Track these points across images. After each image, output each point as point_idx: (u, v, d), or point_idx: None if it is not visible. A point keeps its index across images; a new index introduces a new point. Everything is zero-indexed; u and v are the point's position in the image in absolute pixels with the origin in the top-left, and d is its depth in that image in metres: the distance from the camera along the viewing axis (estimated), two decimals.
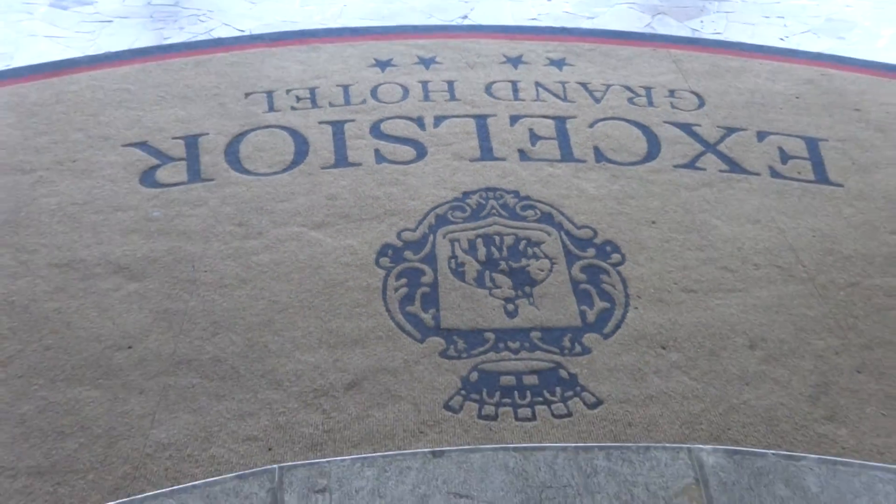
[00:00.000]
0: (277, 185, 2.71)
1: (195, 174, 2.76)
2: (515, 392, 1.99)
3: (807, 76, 3.56)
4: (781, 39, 3.92)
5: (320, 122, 3.06)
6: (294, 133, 2.99)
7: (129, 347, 2.10)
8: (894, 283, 2.40)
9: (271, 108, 3.14)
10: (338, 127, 3.04)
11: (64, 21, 3.85)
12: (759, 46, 3.83)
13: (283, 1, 4.05)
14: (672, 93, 3.38)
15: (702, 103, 3.32)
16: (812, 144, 3.08)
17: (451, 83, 3.36)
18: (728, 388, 2.04)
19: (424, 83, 3.35)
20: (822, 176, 2.91)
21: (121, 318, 2.18)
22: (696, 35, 3.93)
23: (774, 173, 2.91)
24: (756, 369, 2.10)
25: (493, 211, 2.61)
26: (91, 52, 3.57)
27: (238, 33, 3.74)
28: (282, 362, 2.05)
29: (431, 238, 2.49)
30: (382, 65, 3.47)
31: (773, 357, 2.14)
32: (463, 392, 1.98)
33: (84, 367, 2.05)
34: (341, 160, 2.86)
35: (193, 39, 3.66)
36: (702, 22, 4.05)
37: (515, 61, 3.56)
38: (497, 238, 2.50)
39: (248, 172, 2.77)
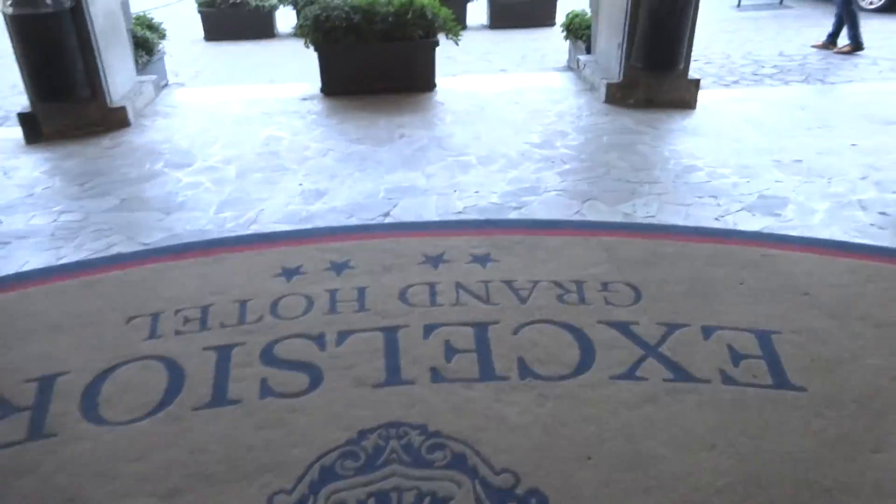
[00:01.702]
0: (133, 438, 2.11)
1: (37, 428, 2.17)
2: None
3: (748, 258, 3.15)
4: (716, 220, 3.56)
5: (205, 349, 2.53)
6: (171, 365, 2.45)
7: None
8: None
9: (153, 335, 2.62)
10: (224, 353, 2.50)
11: None
12: (695, 228, 3.46)
13: (197, 210, 3.67)
14: (605, 286, 2.93)
15: (638, 296, 2.86)
16: (764, 339, 2.59)
17: (362, 290, 2.89)
18: None
19: (333, 292, 2.88)
20: (780, 378, 2.38)
21: None
22: (629, 220, 3.56)
23: (727, 379, 2.38)
24: None
25: (394, 456, 2.03)
26: None
27: (141, 247, 3.31)
28: None
29: (311, 501, 1.88)
30: (290, 273, 3.02)
31: None
32: None
33: None
34: (219, 397, 2.29)
35: (89, 257, 3.21)
36: (633, 205, 3.71)
37: (436, 261, 3.12)
38: (395, 495, 1.90)
39: (101, 422, 2.19)
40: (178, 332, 2.63)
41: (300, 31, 5.58)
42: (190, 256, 3.19)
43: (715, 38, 8.42)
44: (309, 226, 3.50)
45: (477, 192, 3.88)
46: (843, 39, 7.85)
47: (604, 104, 5.37)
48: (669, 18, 4.91)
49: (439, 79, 5.95)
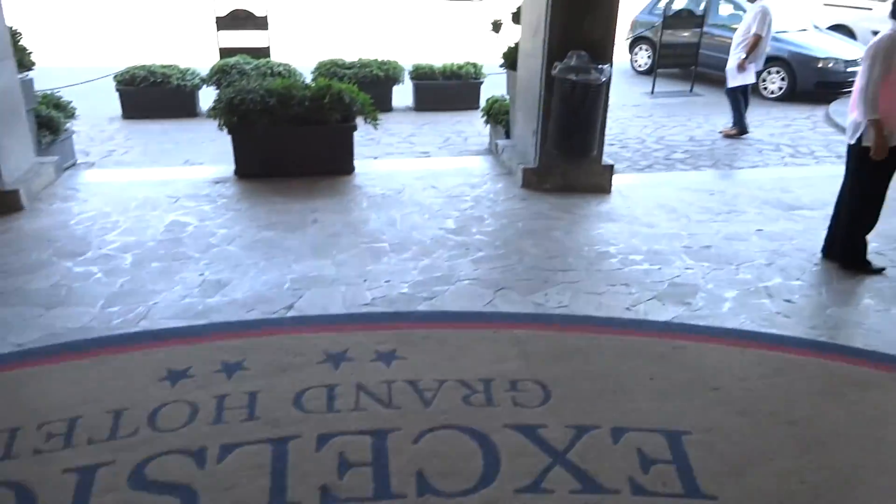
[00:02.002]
0: None
1: None
2: None
3: (659, 351, 3.10)
4: (628, 309, 3.52)
5: (65, 471, 2.25)
6: (21, 493, 2.15)
7: None
8: None
9: (6, 455, 2.32)
10: (87, 476, 2.23)
11: None
12: (607, 319, 3.41)
13: (82, 304, 3.40)
14: (514, 385, 2.80)
15: (548, 396, 2.74)
16: (674, 440, 2.49)
17: (253, 395, 2.67)
18: None
19: (221, 398, 2.65)
20: (691, 485, 2.28)
21: None
22: (541, 310, 3.48)
23: (636, 488, 2.26)
24: None
25: None
26: None
27: (13, 348, 3.00)
28: None
29: None
30: (175, 377, 2.77)
31: None
32: None
33: None
34: None
35: None
36: (546, 295, 3.64)
37: (338, 359, 2.94)
38: None
39: None
40: (36, 451, 2.34)
41: (212, 114, 5.45)
42: (65, 359, 2.91)
43: (630, 123, 8.74)
44: (204, 321, 3.27)
45: (388, 281, 3.74)
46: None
47: (521, 189, 5.40)
48: (581, 107, 5.03)
49: (359, 161, 5.89)
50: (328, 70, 9.09)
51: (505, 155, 6.05)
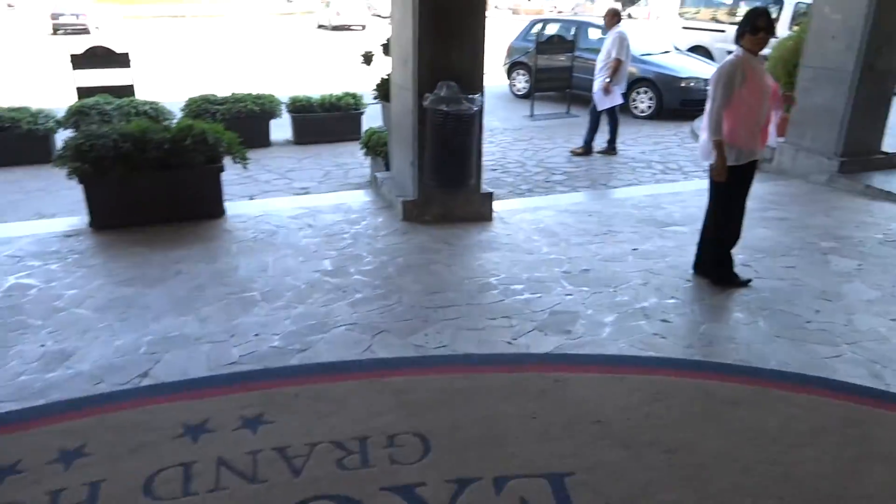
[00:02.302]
0: None
1: None
2: None
3: (540, 387, 3.02)
4: (509, 343, 3.45)
5: None
6: None
7: None
8: None
9: None
10: None
11: None
12: (488, 356, 3.31)
13: None
14: (392, 440, 2.63)
15: (427, 449, 2.59)
16: (557, 484, 2.40)
17: (95, 486, 2.36)
18: None
19: (55, 494, 2.32)
20: None
21: None
22: (421, 353, 3.35)
23: None
24: None
25: None
26: None
27: None
28: None
29: None
30: (1, 475, 2.41)
31: None
32: None
33: None
34: None
35: None
36: (426, 335, 3.51)
37: (197, 431, 2.66)
38: None
39: None
40: None
41: (58, 162, 4.99)
42: None
43: (511, 147, 8.86)
44: (42, 401, 2.90)
45: (257, 335, 3.49)
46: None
47: (401, 222, 5.28)
48: (454, 137, 4.98)
49: (231, 203, 5.59)
50: (199, 107, 8.68)
51: (384, 188, 5.92)
